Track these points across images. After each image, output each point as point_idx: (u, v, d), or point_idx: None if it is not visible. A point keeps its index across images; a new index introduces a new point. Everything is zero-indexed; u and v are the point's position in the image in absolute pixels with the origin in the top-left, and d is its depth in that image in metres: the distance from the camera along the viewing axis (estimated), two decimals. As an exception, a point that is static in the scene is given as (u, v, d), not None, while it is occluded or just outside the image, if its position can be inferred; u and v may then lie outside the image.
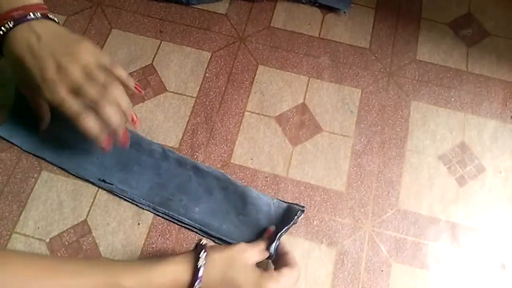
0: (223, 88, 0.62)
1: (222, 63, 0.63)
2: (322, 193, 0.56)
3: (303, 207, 0.53)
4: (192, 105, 0.60)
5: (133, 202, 0.54)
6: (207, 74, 0.62)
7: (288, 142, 0.59)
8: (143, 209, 0.54)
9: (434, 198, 0.56)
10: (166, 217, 0.53)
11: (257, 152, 0.58)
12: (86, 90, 0.46)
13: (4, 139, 0.56)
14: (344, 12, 0.68)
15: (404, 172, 0.57)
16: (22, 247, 0.51)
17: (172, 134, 0.58)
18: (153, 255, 0.51)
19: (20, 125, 0.57)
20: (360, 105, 0.61)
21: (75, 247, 0.52)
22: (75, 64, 0.46)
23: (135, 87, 0.51)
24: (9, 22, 0.46)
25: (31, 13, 0.46)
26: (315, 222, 0.54)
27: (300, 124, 0.60)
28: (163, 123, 0.59)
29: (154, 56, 0.63)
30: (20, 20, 0.46)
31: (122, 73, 0.49)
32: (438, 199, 0.56)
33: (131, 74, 0.62)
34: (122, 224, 0.53)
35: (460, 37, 0.67)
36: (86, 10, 0.67)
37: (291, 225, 0.51)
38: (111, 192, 0.54)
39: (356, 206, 0.55)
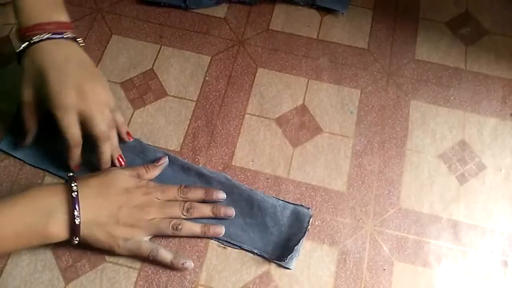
0: (223, 91, 0.62)
1: (222, 67, 0.64)
2: (323, 193, 0.56)
3: (308, 208, 0.54)
4: (193, 108, 0.61)
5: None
6: (207, 78, 0.63)
7: (288, 143, 0.59)
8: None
9: (435, 197, 0.56)
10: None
11: (258, 154, 0.58)
12: (96, 124, 0.49)
13: (6, 153, 0.56)
14: (342, 13, 0.69)
15: (405, 171, 0.58)
16: (27, 253, 0.52)
17: (173, 138, 0.59)
18: (156, 260, 0.52)
19: (23, 139, 0.56)
20: (359, 106, 0.62)
21: (79, 250, 0.52)
22: (94, 95, 0.49)
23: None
24: (44, 34, 0.47)
25: (66, 32, 0.49)
26: (316, 222, 0.54)
27: (300, 126, 0.60)
28: (164, 127, 0.60)
29: (154, 61, 0.64)
30: (54, 35, 0.48)
31: (120, 118, 0.55)
32: (439, 198, 0.56)
33: (131, 79, 0.63)
34: (125, 227, 0.53)
35: (458, 36, 0.67)
36: (87, 17, 0.67)
37: (305, 234, 0.52)
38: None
39: (357, 205, 0.56)
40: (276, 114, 0.61)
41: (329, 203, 0.55)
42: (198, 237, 0.53)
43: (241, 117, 0.61)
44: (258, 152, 0.58)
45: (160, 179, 0.55)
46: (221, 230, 0.52)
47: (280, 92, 0.63)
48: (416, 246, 0.54)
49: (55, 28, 0.49)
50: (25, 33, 0.48)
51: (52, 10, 0.50)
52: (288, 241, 0.53)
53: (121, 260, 0.52)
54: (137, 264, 0.52)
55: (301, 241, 0.52)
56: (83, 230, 0.47)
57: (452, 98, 0.63)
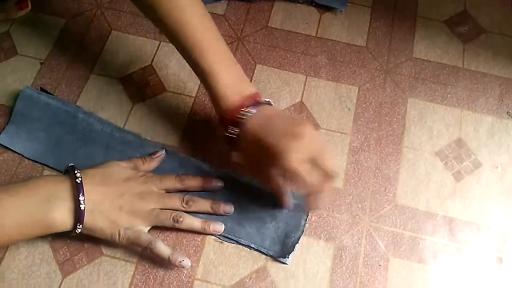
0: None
1: (221, 63, 0.64)
2: (320, 189, 0.56)
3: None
4: (191, 104, 0.61)
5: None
6: (205, 74, 0.63)
7: (286, 139, 0.59)
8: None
9: (431, 193, 0.57)
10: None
11: None
12: (324, 159, 0.47)
13: (5, 147, 0.57)
14: (341, 11, 0.69)
15: (401, 168, 0.58)
16: (25, 245, 0.52)
17: (172, 133, 0.59)
18: (154, 253, 0.52)
19: (21, 133, 0.57)
20: (357, 103, 0.62)
21: (77, 245, 0.52)
22: (308, 131, 0.47)
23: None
24: (251, 108, 0.49)
25: (266, 101, 0.51)
26: (313, 218, 0.55)
27: (298, 122, 0.60)
28: (163, 122, 0.60)
29: (153, 57, 0.64)
30: (258, 103, 0.50)
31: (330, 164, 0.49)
32: (435, 194, 0.57)
33: (131, 75, 0.63)
34: (123, 222, 0.54)
35: (456, 34, 0.68)
36: (86, 13, 0.68)
37: (303, 232, 0.53)
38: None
39: (354, 202, 0.56)
40: (274, 111, 0.61)
41: (326, 199, 0.56)
42: (196, 232, 0.53)
43: (239, 113, 0.61)
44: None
45: (158, 173, 0.56)
46: (220, 227, 0.53)
47: (278, 88, 0.63)
48: (412, 242, 0.54)
49: (253, 102, 0.50)
50: (231, 116, 0.49)
51: (243, 86, 0.51)
52: (285, 237, 0.53)
53: (118, 254, 0.52)
54: (134, 258, 0.52)
55: (298, 238, 0.53)
56: (87, 218, 0.47)
57: (449, 96, 0.63)
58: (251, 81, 0.63)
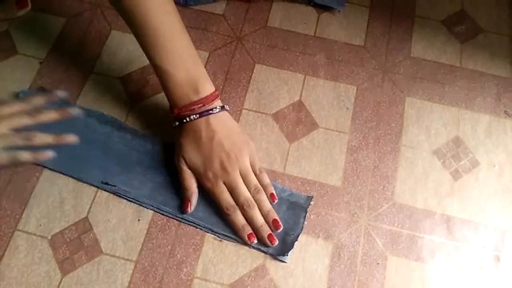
0: (221, 87, 0.63)
1: (220, 62, 0.64)
2: (318, 188, 0.57)
3: (309, 197, 0.55)
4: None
5: (137, 202, 0.55)
6: (204, 73, 0.63)
7: (285, 138, 0.60)
8: (147, 208, 0.55)
9: (429, 192, 0.57)
10: (170, 215, 0.54)
11: (255, 149, 0.59)
12: (239, 191, 0.52)
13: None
14: (339, 11, 0.69)
15: (399, 167, 0.58)
16: (25, 244, 0.52)
17: (171, 133, 0.59)
18: (153, 251, 0.52)
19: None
20: (355, 102, 0.62)
21: (77, 243, 0.53)
22: (236, 166, 0.52)
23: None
24: (194, 116, 0.52)
25: (213, 109, 0.52)
26: (312, 216, 0.55)
27: (297, 121, 0.61)
28: (162, 121, 0.60)
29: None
30: (202, 114, 0.52)
31: (266, 180, 0.55)
32: (433, 193, 0.57)
33: (130, 74, 0.63)
34: (122, 220, 0.54)
35: (454, 34, 0.68)
36: (86, 12, 0.68)
37: (302, 230, 0.53)
38: (114, 193, 0.55)
39: (352, 200, 0.56)
40: (273, 110, 0.61)
41: (325, 198, 0.56)
42: (51, 145, 0.50)
43: (239, 112, 0.61)
44: (255, 146, 0.59)
45: (159, 172, 0.56)
46: (74, 138, 0.51)
47: (277, 88, 0.63)
48: (410, 241, 0.54)
49: (203, 105, 0.52)
50: (178, 113, 0.53)
51: (198, 86, 0.52)
52: (284, 235, 0.53)
53: (118, 253, 0.52)
54: (134, 256, 0.52)
55: (298, 236, 0.53)
56: None
57: (447, 95, 0.63)
58: (249, 81, 0.63)
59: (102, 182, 0.55)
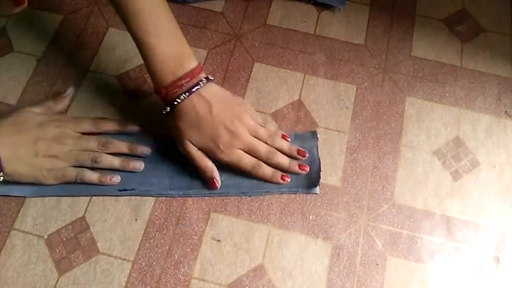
0: (220, 85, 0.62)
1: (219, 61, 0.64)
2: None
3: (313, 132, 0.58)
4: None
5: (162, 195, 0.55)
6: (203, 72, 0.63)
7: (284, 138, 0.59)
8: (173, 196, 0.55)
9: (429, 192, 0.56)
10: (199, 195, 0.55)
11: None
12: (257, 148, 0.53)
13: (2, 195, 0.54)
14: (339, 9, 0.69)
15: (399, 167, 0.58)
16: (21, 244, 0.52)
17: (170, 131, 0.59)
18: (151, 251, 0.52)
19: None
20: (355, 101, 0.62)
21: (73, 243, 0.52)
22: (243, 126, 0.52)
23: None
24: (184, 94, 0.50)
25: (200, 82, 0.51)
26: (311, 216, 0.55)
27: (296, 121, 0.60)
28: (161, 118, 0.59)
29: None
30: (191, 90, 0.51)
31: (273, 127, 0.57)
32: (433, 193, 0.56)
33: (127, 72, 0.63)
34: (119, 220, 0.54)
35: (455, 33, 0.68)
36: (84, 9, 0.67)
37: (319, 161, 0.56)
38: (137, 195, 0.55)
39: (352, 200, 0.56)
40: (272, 109, 0.61)
41: (324, 198, 0.56)
42: (117, 170, 0.54)
43: (237, 111, 0.61)
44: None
45: (170, 162, 0.56)
46: (140, 165, 0.55)
47: (276, 87, 0.63)
48: (410, 242, 0.54)
49: (190, 79, 0.51)
50: (166, 93, 0.51)
51: (183, 62, 0.51)
52: (308, 171, 0.55)
53: (115, 252, 0.52)
54: (131, 256, 0.52)
55: (319, 169, 0.56)
56: (6, 168, 0.49)
57: (447, 95, 0.63)
58: (248, 79, 0.63)
59: (119, 190, 0.55)
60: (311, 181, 0.55)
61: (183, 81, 0.51)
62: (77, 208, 0.54)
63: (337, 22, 0.68)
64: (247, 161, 0.53)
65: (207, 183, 0.54)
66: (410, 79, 0.64)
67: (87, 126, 0.55)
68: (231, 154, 0.52)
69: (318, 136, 0.58)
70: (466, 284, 0.52)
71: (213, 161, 0.54)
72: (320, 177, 0.55)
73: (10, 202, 0.54)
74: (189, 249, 0.52)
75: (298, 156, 0.55)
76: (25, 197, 0.54)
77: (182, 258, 0.52)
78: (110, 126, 0.56)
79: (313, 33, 0.67)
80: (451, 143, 0.60)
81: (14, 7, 0.65)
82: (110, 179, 0.53)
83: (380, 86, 0.63)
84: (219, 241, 0.53)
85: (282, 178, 0.54)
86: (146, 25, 0.50)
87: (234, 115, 0.52)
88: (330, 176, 0.57)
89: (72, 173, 0.52)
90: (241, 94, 0.62)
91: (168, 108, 0.52)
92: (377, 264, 0.52)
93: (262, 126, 0.55)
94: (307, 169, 0.55)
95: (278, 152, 0.54)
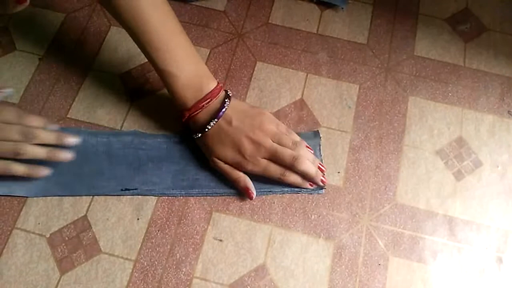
0: (222, 84, 0.62)
1: (221, 60, 0.64)
2: (320, 188, 0.56)
3: (315, 132, 0.58)
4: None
5: (164, 195, 0.55)
6: (205, 71, 0.63)
7: (286, 137, 0.59)
8: (176, 196, 0.55)
9: (431, 193, 0.56)
10: (201, 195, 0.55)
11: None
12: (282, 155, 0.52)
13: (4, 195, 0.54)
14: (342, 8, 0.68)
15: (402, 167, 0.58)
16: (23, 243, 0.52)
17: (171, 131, 0.59)
18: (153, 250, 0.52)
19: (16, 176, 0.53)
20: (358, 101, 0.62)
21: (75, 242, 0.52)
22: (265, 135, 0.53)
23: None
24: (214, 121, 0.52)
25: (224, 105, 0.52)
26: (313, 216, 0.54)
27: (298, 120, 0.60)
28: (164, 117, 0.59)
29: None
30: (218, 115, 0.52)
31: (296, 136, 0.55)
32: (435, 194, 0.56)
33: (130, 71, 0.62)
34: (121, 219, 0.54)
35: (458, 33, 0.67)
36: (86, 8, 0.67)
37: (322, 161, 0.57)
38: (139, 195, 0.55)
39: (354, 200, 0.56)
40: (274, 108, 0.61)
41: (326, 198, 0.56)
42: (43, 160, 0.51)
43: (239, 110, 0.60)
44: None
45: (171, 161, 0.56)
46: (69, 155, 0.52)
47: (278, 86, 0.62)
48: (412, 242, 0.54)
49: (210, 100, 0.52)
50: (188, 116, 0.53)
51: (202, 84, 0.53)
52: None
53: (117, 251, 0.52)
54: (133, 256, 0.52)
55: (321, 159, 0.57)
56: None
57: (450, 94, 0.63)
58: (250, 78, 0.63)
59: (121, 190, 0.55)
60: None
61: (204, 103, 0.52)
62: (79, 207, 0.54)
63: (340, 21, 0.68)
64: (274, 169, 0.53)
65: (243, 192, 0.54)
66: (413, 79, 0.63)
67: (10, 117, 0.51)
68: (257, 163, 0.53)
69: (321, 136, 0.58)
70: (469, 285, 0.52)
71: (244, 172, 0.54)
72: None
73: (12, 201, 0.54)
74: (191, 249, 0.52)
75: (320, 171, 0.55)
76: (27, 197, 0.54)
77: (184, 258, 0.52)
78: (36, 122, 0.52)
79: (315, 32, 0.67)
80: (454, 143, 0.59)
81: (16, 5, 0.65)
82: (40, 173, 0.51)
83: (382, 86, 0.63)
84: (221, 240, 0.53)
85: (310, 184, 0.55)
86: (166, 54, 0.51)
87: (254, 125, 0.53)
88: (332, 175, 0.57)
89: None
90: (243, 93, 0.61)
91: (200, 134, 0.53)
92: (379, 264, 0.52)
93: (286, 135, 0.54)
94: (325, 183, 0.55)
95: (304, 158, 0.53)
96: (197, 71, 0.53)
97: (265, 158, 0.53)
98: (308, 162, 0.53)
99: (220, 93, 0.53)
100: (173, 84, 0.52)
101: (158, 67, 0.52)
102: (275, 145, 0.53)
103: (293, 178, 0.54)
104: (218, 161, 0.54)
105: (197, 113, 0.52)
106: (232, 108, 0.53)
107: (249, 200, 0.55)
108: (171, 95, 0.53)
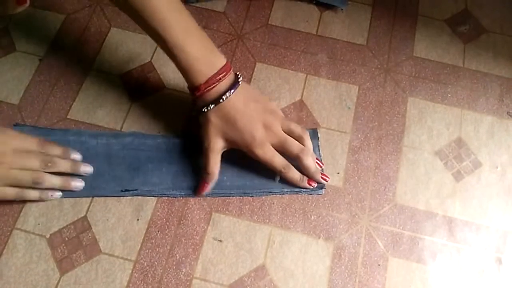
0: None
1: (220, 61, 0.64)
2: (319, 188, 0.56)
3: (314, 130, 0.59)
4: (191, 101, 0.61)
5: (164, 196, 0.55)
6: (205, 72, 0.63)
7: (285, 138, 0.59)
8: (175, 196, 0.55)
9: (430, 193, 0.56)
10: (201, 196, 0.55)
11: None
12: (291, 144, 0.52)
13: None
14: (341, 9, 0.69)
15: (401, 168, 0.58)
16: (23, 243, 0.52)
17: (171, 131, 0.59)
18: (152, 251, 0.52)
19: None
20: (357, 102, 0.62)
21: (75, 242, 0.52)
22: (277, 122, 0.53)
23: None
24: (230, 91, 0.51)
25: (239, 78, 0.52)
26: (312, 217, 0.55)
27: (298, 121, 0.60)
28: (162, 119, 0.59)
29: (153, 54, 0.64)
30: (235, 85, 0.51)
31: (301, 128, 0.55)
32: (434, 194, 0.56)
33: (130, 71, 0.63)
34: (121, 220, 0.54)
35: (457, 34, 0.67)
36: (86, 9, 0.67)
37: (320, 152, 0.58)
38: (139, 195, 0.55)
39: (353, 201, 0.56)
40: (273, 109, 0.61)
41: (325, 198, 0.56)
42: (61, 190, 0.54)
43: (239, 111, 0.60)
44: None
45: (171, 162, 0.56)
46: (81, 185, 0.54)
47: (278, 87, 0.63)
48: (411, 242, 0.54)
49: (226, 74, 0.51)
50: (204, 89, 0.51)
51: (214, 56, 0.52)
52: None
53: (116, 252, 0.52)
54: (133, 256, 0.52)
55: (320, 158, 0.57)
56: None
57: (449, 95, 0.63)
58: (250, 79, 0.63)
59: (121, 191, 0.55)
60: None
61: (220, 76, 0.51)
62: (79, 208, 0.54)
63: (339, 22, 0.68)
64: (279, 160, 0.53)
65: (200, 183, 0.54)
66: (412, 80, 0.64)
67: (31, 145, 0.52)
68: (265, 149, 0.52)
69: (319, 135, 0.58)
70: (468, 285, 0.52)
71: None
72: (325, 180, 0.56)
73: (12, 201, 0.54)
74: (191, 249, 0.52)
75: (318, 167, 0.56)
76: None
77: (183, 258, 0.52)
78: (56, 151, 0.54)
79: (315, 33, 0.67)
80: (453, 144, 0.60)
81: (16, 6, 0.65)
82: (51, 196, 0.53)
83: (382, 87, 0.63)
84: (220, 241, 0.53)
85: (309, 183, 0.55)
86: (176, 29, 0.50)
87: (267, 110, 0.53)
88: (331, 176, 0.57)
89: (11, 193, 0.51)
90: (243, 94, 0.62)
91: (213, 105, 0.51)
92: (379, 265, 0.52)
93: (294, 124, 0.55)
94: (328, 180, 0.55)
95: (310, 151, 0.54)
96: (208, 46, 0.52)
97: (272, 146, 0.53)
98: (312, 158, 0.54)
99: (231, 70, 0.53)
100: (186, 58, 0.50)
101: (167, 43, 0.50)
102: (285, 134, 0.53)
103: (292, 173, 0.54)
104: (221, 142, 0.52)
105: (213, 86, 0.51)
106: (246, 89, 0.53)
107: (248, 201, 0.55)
108: (184, 71, 0.52)
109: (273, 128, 0.52)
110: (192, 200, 0.55)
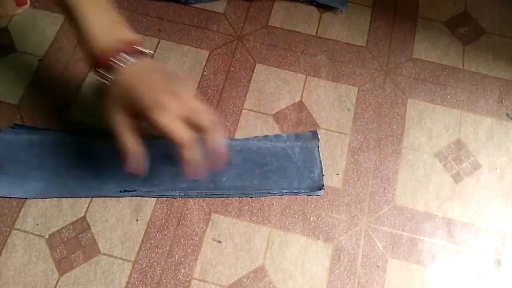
0: (221, 86, 0.62)
1: (220, 62, 0.64)
2: (318, 189, 0.56)
3: (314, 133, 0.59)
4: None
5: (163, 196, 0.55)
6: (205, 72, 0.63)
7: (285, 139, 0.59)
8: (174, 197, 0.55)
9: (430, 195, 0.56)
10: (200, 196, 0.55)
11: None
12: (201, 115, 0.45)
13: (4, 197, 0.54)
14: (341, 10, 0.69)
15: (400, 169, 0.58)
16: (22, 243, 0.52)
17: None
18: (151, 252, 0.52)
19: (15, 179, 0.54)
20: (357, 103, 0.62)
21: (74, 243, 0.52)
22: (187, 92, 0.46)
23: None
24: (121, 59, 0.45)
25: (148, 51, 0.48)
26: (311, 218, 0.55)
27: (298, 122, 0.60)
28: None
29: (153, 55, 0.64)
30: (143, 52, 0.47)
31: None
32: (434, 196, 0.56)
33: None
34: (120, 220, 0.54)
35: (457, 36, 0.68)
36: (86, 10, 0.67)
37: (321, 163, 0.57)
38: (138, 196, 0.55)
39: (353, 202, 0.56)
40: (273, 110, 0.61)
41: (325, 199, 0.56)
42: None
43: (239, 112, 0.61)
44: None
45: (171, 162, 0.55)
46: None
47: (278, 88, 0.63)
48: (410, 244, 0.54)
49: (128, 47, 0.46)
50: (104, 58, 0.46)
51: (123, 29, 0.48)
52: (309, 173, 0.56)
53: (115, 252, 0.52)
54: (132, 257, 0.52)
55: (321, 169, 0.57)
56: None
57: (449, 97, 0.63)
58: (250, 80, 0.63)
59: (121, 191, 0.55)
60: (314, 183, 0.55)
61: (124, 47, 0.46)
62: (78, 208, 0.54)
63: (339, 24, 0.68)
64: (186, 133, 0.45)
65: (127, 166, 0.47)
66: (411, 81, 0.64)
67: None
68: (166, 115, 0.44)
69: (319, 137, 0.58)
70: (467, 287, 0.52)
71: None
72: (323, 181, 0.56)
73: (11, 201, 0.54)
74: (190, 250, 0.52)
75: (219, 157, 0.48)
76: (26, 198, 0.54)
77: (182, 259, 0.52)
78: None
79: (315, 34, 0.67)
80: (453, 145, 0.60)
81: (16, 7, 0.66)
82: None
83: (381, 88, 0.63)
84: (219, 242, 0.53)
85: (201, 171, 0.47)
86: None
87: (177, 82, 0.46)
88: (331, 177, 0.57)
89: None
90: (242, 95, 0.62)
91: (113, 74, 0.45)
92: (378, 266, 0.52)
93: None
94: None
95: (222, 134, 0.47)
96: (116, 19, 0.48)
97: (176, 114, 0.45)
98: (219, 137, 0.47)
99: (140, 47, 0.48)
100: (88, 24, 0.46)
101: (73, 9, 0.46)
102: (195, 104, 0.46)
103: (194, 153, 0.45)
104: (123, 115, 0.46)
105: (114, 58, 0.45)
106: (152, 63, 0.48)
107: (248, 201, 0.55)
108: (83, 36, 0.46)
109: (179, 95, 0.45)
110: (191, 201, 0.55)
